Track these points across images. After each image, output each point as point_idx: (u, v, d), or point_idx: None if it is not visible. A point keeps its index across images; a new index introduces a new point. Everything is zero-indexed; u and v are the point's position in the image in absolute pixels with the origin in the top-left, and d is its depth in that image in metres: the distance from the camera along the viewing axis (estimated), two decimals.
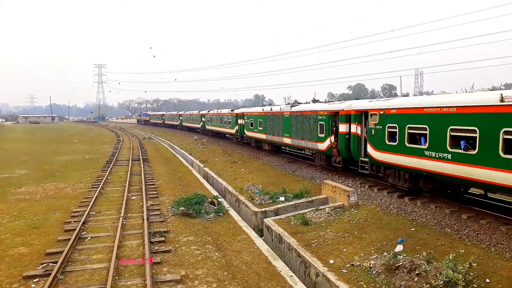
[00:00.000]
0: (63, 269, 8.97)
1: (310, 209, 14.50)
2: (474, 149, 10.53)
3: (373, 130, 15.21)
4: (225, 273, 9.16)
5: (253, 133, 30.91)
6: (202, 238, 11.57)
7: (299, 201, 15.75)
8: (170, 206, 14.82)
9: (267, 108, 28.67)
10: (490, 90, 11.80)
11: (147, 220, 12.53)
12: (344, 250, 10.63)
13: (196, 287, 8.37)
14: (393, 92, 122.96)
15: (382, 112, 14.66)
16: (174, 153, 35.84)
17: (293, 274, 9.38)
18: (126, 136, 56.67)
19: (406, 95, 28.24)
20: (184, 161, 29.87)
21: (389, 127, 14.25)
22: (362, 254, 10.18)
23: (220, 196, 17.37)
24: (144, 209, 13.85)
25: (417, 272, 8.40)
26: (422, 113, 12.58)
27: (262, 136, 28.69)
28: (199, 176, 22.92)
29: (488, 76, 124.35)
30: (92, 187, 18.54)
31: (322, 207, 14.56)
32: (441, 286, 7.80)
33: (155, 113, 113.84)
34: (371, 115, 15.38)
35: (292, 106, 24.39)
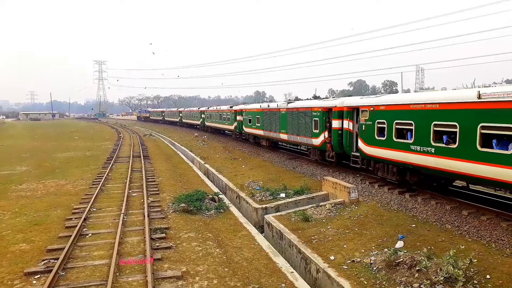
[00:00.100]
0: (64, 265, 9.00)
1: (311, 205, 14.52)
2: (455, 143, 11.13)
3: (363, 126, 15.83)
4: (226, 269, 9.18)
5: (251, 129, 31.46)
6: (203, 234, 11.59)
7: (300, 197, 15.76)
8: (171, 202, 14.84)
9: (264, 105, 29.26)
10: (491, 86, 11.86)
11: (148, 216, 12.54)
12: (345, 246, 10.65)
13: (197, 283, 8.39)
14: (394, 88, 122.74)
15: (372, 109, 15.25)
16: (175, 149, 35.86)
17: (293, 270, 9.39)
18: (126, 133, 56.67)
19: (407, 91, 28.23)
20: (184, 158, 29.90)
21: (378, 122, 14.86)
22: (363, 250, 10.20)
23: (220, 193, 17.38)
24: (145, 205, 13.87)
25: (417, 268, 8.42)
26: (409, 109, 13.18)
27: (260, 132, 29.22)
28: (199, 173, 22.95)
29: (490, 71, 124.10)
30: (93, 184, 18.55)
31: (322, 203, 14.57)
32: (442, 282, 7.81)
33: (155, 109, 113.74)
34: (362, 111, 15.98)
35: (288, 103, 24.95)
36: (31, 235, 11.37)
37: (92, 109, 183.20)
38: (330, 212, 13.56)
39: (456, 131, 11.07)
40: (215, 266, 9.29)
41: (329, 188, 15.69)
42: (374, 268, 9.10)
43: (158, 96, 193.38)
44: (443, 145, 11.61)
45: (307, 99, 26.78)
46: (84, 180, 19.87)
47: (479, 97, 10.27)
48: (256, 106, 31.76)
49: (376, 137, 14.89)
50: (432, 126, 11.98)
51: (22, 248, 10.32)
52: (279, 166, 23.22)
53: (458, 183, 14.69)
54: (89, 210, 13.53)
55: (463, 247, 9.39)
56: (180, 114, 69.96)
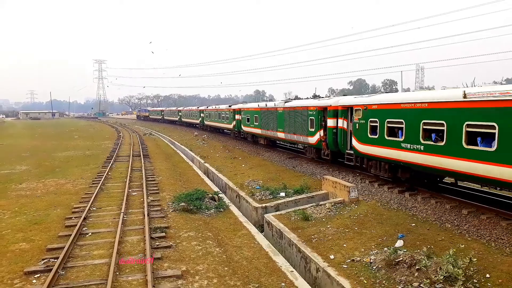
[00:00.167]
0: (64, 264, 8.99)
1: (311, 204, 14.52)
2: (443, 140, 11.51)
3: (357, 125, 16.22)
4: (226, 268, 9.18)
5: (250, 128, 31.89)
6: (202, 233, 11.59)
7: (300, 196, 15.77)
8: (171, 201, 14.84)
9: (262, 104, 29.75)
10: (491, 84, 11.92)
11: (147, 215, 12.54)
12: (345, 245, 10.65)
13: (197, 282, 8.39)
14: (394, 87, 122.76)
15: (365, 108, 15.63)
16: (175, 148, 35.87)
17: (293, 269, 9.39)
18: (126, 132, 56.66)
19: (407, 90, 28.32)
20: (184, 157, 29.90)
21: (371, 121, 15.24)
22: (363, 250, 10.20)
23: (220, 192, 17.38)
24: (145, 204, 13.87)
25: (417, 267, 8.41)
26: (399, 109, 13.58)
27: (258, 131, 29.64)
28: (199, 172, 22.95)
29: (490, 70, 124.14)
30: (93, 183, 18.55)
31: (322, 202, 14.57)
32: (441, 281, 7.81)
33: (155, 108, 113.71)
34: (356, 110, 16.38)
35: (285, 102, 25.31)
36: (31, 234, 11.37)
37: (92, 108, 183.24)
38: (330, 211, 13.56)
39: (443, 129, 11.42)
40: (215, 265, 9.29)
41: (329, 187, 15.69)
42: (374, 267, 9.10)
43: (158, 95, 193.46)
44: (432, 143, 12.00)
45: (307, 97, 26.85)
46: (84, 179, 19.87)
47: (464, 97, 10.62)
48: (254, 105, 32.29)
49: (369, 136, 15.29)
50: (421, 124, 12.34)
51: (22, 247, 10.32)
52: (279, 165, 23.22)
53: (448, 180, 15.11)
54: (89, 209, 13.53)
55: (463, 246, 9.38)
56: (180, 113, 69.97)
